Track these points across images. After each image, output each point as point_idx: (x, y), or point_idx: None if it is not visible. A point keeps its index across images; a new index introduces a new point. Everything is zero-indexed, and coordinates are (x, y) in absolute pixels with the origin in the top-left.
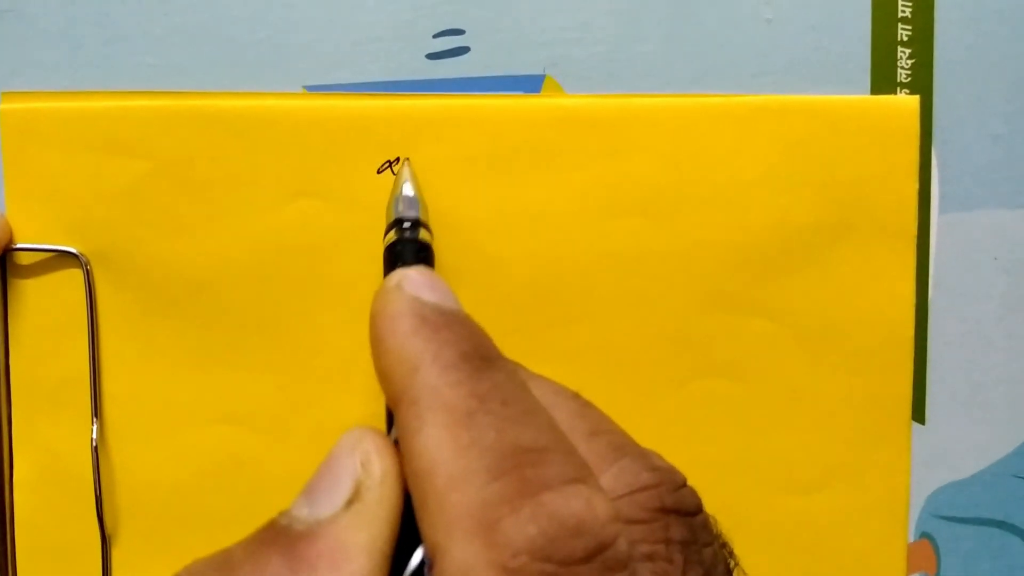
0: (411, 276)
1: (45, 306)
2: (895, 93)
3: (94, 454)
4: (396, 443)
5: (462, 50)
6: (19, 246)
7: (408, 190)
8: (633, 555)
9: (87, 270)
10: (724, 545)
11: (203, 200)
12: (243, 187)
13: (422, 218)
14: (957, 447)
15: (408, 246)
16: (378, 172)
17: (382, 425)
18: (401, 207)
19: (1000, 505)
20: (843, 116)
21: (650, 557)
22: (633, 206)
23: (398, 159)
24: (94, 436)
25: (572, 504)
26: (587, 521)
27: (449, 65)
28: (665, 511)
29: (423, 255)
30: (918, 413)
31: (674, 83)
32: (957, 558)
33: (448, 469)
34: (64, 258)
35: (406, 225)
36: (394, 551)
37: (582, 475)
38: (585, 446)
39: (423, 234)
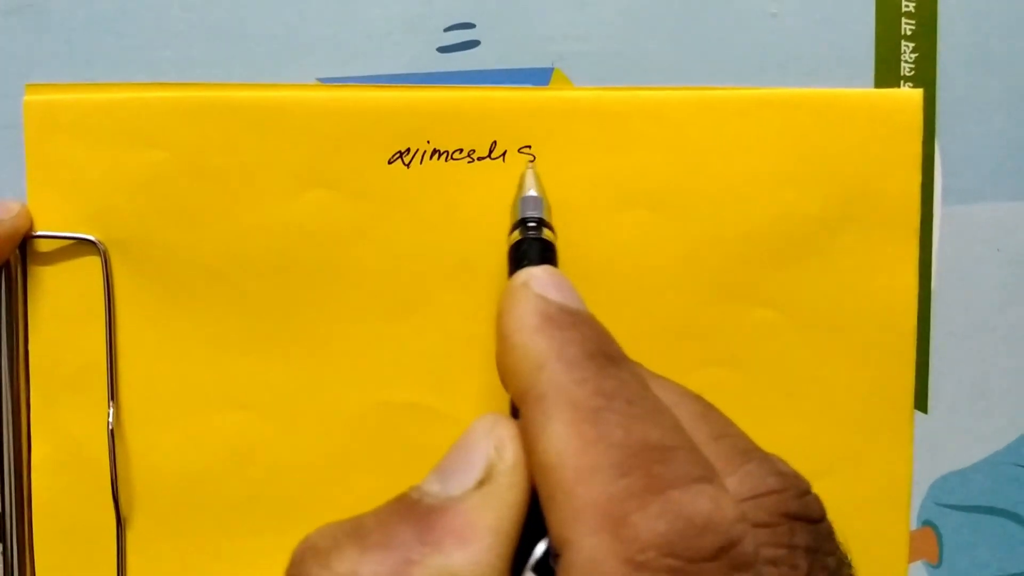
0: (537, 275)
1: (64, 293)
2: (899, 87)
3: (110, 439)
4: None
5: (472, 44)
6: (39, 233)
7: (532, 190)
8: (758, 558)
9: (105, 258)
10: (845, 557)
11: (218, 190)
12: (257, 177)
13: (546, 218)
14: (960, 436)
15: (533, 245)
16: (389, 163)
17: (400, 413)
18: (526, 207)
19: (1003, 494)
20: (847, 109)
21: (774, 562)
22: (639, 198)
23: (408, 149)
24: (110, 421)
25: (699, 502)
26: (714, 519)
27: (459, 58)
28: (790, 516)
29: (548, 254)
30: (921, 402)
31: (680, 76)
32: (959, 546)
33: (575, 464)
34: (83, 246)
35: (531, 224)
36: (519, 539)
37: (708, 475)
38: (710, 448)
39: (547, 234)
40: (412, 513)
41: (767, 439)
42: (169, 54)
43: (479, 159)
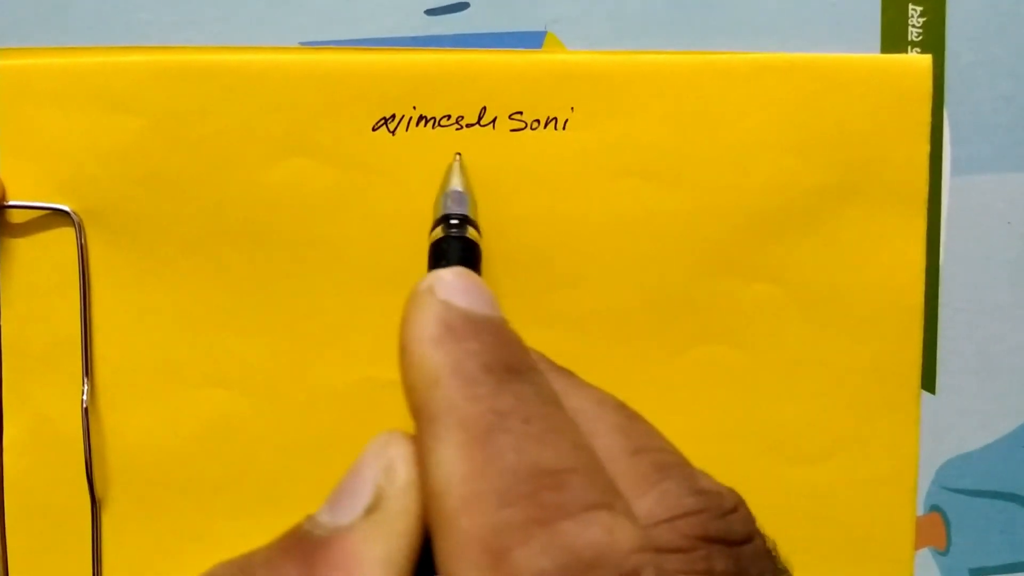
0: (443, 278)
1: (37, 265)
2: (906, 52)
3: (85, 416)
4: None
5: (461, 5)
6: (11, 203)
7: (457, 185)
8: None
9: (80, 229)
10: (783, 572)
11: (197, 157)
12: (237, 144)
13: (471, 215)
14: (968, 418)
15: (453, 244)
16: (373, 129)
17: (385, 390)
18: (449, 203)
19: (1013, 478)
20: (852, 75)
21: None
22: (635, 166)
23: (394, 116)
24: (85, 398)
25: (590, 533)
26: (605, 553)
27: (448, 21)
28: (708, 540)
29: (468, 254)
30: (928, 382)
31: (679, 40)
32: (967, 532)
33: (460, 491)
34: (57, 216)
35: (453, 222)
36: (416, 568)
37: (606, 500)
38: (625, 465)
39: (471, 232)
40: (300, 547)
41: (767, 421)
42: (146, 16)
43: (468, 126)
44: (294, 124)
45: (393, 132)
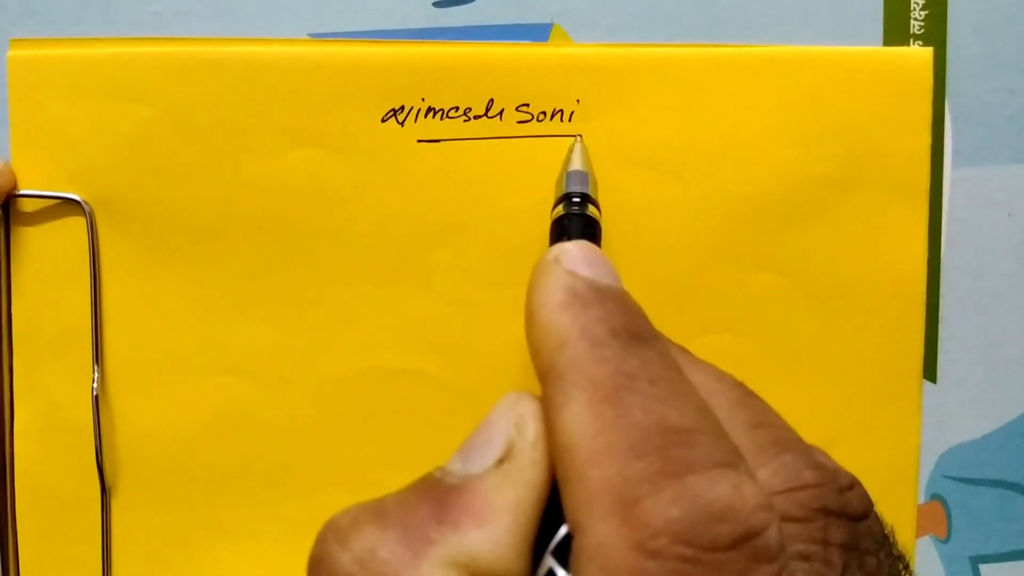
0: (569, 250)
1: (48, 253)
2: (908, 45)
3: (95, 404)
4: None
5: None
6: (23, 192)
7: (578, 165)
8: (788, 552)
9: (90, 218)
10: (899, 558)
11: (207, 147)
12: (247, 135)
13: (591, 194)
14: (969, 406)
15: (575, 220)
16: (382, 121)
17: (392, 379)
18: (571, 182)
19: (1013, 466)
20: (855, 68)
21: (806, 557)
22: (639, 157)
23: (403, 107)
24: (95, 385)
25: (718, 488)
26: (734, 507)
27: (456, 14)
28: (826, 512)
29: (590, 230)
30: (929, 371)
31: (683, 33)
32: (968, 520)
33: (590, 445)
34: (68, 205)
35: (575, 200)
36: (542, 518)
37: (731, 460)
38: (745, 437)
39: (591, 210)
40: (432, 492)
41: None
42: (157, 7)
43: (475, 118)
44: (303, 115)
45: (402, 124)
